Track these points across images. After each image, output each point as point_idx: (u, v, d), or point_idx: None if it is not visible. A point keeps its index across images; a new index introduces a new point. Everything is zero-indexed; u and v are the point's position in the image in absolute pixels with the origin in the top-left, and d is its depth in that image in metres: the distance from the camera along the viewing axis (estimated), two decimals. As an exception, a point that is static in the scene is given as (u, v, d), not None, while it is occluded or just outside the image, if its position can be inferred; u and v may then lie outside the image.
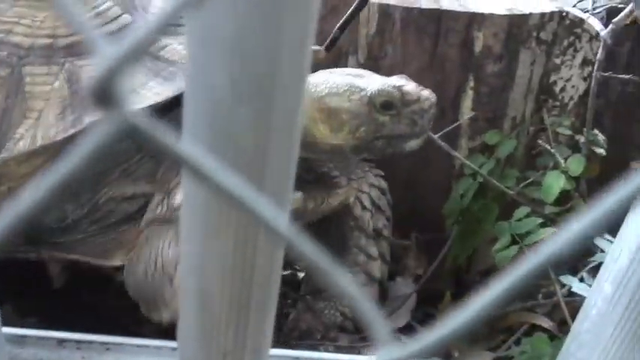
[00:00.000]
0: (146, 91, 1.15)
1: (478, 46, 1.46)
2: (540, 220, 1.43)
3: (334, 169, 1.39)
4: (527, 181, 1.49)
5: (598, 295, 0.92)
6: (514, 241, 1.44)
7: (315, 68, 1.38)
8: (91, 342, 1.10)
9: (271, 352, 1.16)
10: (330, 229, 1.46)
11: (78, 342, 1.10)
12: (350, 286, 0.33)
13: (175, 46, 1.22)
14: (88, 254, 1.20)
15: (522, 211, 1.46)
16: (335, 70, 1.28)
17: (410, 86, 1.20)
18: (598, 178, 1.56)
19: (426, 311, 1.53)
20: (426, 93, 1.20)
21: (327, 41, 1.47)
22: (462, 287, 1.55)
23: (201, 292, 0.61)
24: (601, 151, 1.51)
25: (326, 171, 1.38)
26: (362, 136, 1.21)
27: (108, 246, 1.21)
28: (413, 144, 1.23)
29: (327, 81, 1.22)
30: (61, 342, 1.11)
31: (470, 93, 1.49)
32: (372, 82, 1.21)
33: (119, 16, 1.19)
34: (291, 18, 0.48)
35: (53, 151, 1.10)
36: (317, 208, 1.34)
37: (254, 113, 0.50)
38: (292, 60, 0.50)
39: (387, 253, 1.49)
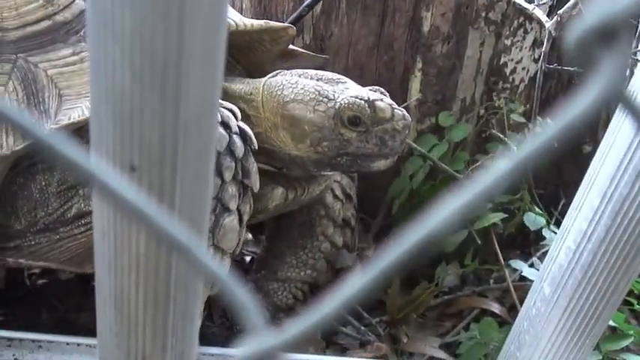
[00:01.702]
0: None
1: (426, 27, 1.43)
2: (489, 205, 1.42)
3: None
4: (477, 164, 1.47)
5: (537, 295, 0.91)
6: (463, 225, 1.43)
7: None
8: (22, 339, 1.06)
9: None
10: (297, 213, 1.42)
11: (9, 339, 1.06)
12: (223, 273, 0.30)
13: None
14: (56, 261, 1.10)
15: (471, 195, 1.43)
16: (309, 71, 1.18)
17: (384, 103, 1.10)
18: (548, 164, 1.55)
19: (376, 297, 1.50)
20: (401, 112, 1.11)
21: (294, 16, 1.43)
22: (410, 273, 1.53)
23: (116, 291, 0.58)
24: (552, 139, 1.50)
25: None
26: (324, 151, 1.13)
27: (79, 251, 1.10)
28: (381, 164, 1.14)
29: (295, 85, 1.13)
30: (-8, 340, 1.07)
31: (418, 74, 1.47)
32: (344, 92, 1.12)
33: (72, 2, 1.06)
34: (195, 7, 0.44)
35: (10, 162, 1.00)
36: (298, 198, 1.28)
37: (160, 106, 0.46)
38: (201, 48, 0.46)
39: (350, 243, 1.46)
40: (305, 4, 1.42)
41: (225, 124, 1.02)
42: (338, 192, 1.41)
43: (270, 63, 1.31)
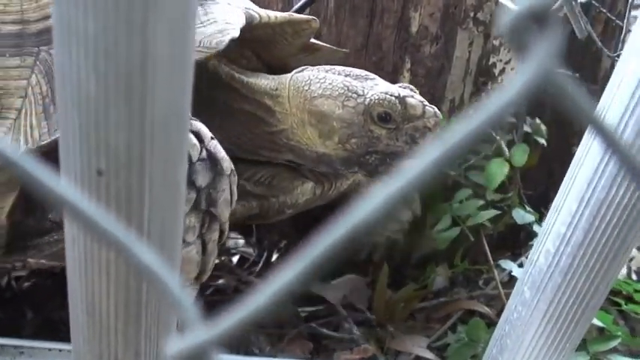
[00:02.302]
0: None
1: (414, 27, 1.43)
2: (481, 203, 1.42)
3: None
4: (468, 163, 1.47)
5: (518, 298, 0.91)
6: (455, 223, 1.43)
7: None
8: (3, 345, 1.06)
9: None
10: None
11: (-9, 346, 1.06)
12: (157, 267, 0.30)
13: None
14: None
15: (464, 193, 1.44)
16: (336, 67, 1.14)
17: (415, 99, 1.07)
18: (537, 165, 1.55)
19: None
20: (432, 110, 1.07)
21: (297, 6, 1.42)
22: (399, 275, 1.52)
23: (87, 297, 0.58)
24: (542, 141, 1.50)
25: None
26: (353, 149, 1.09)
27: None
28: None
29: (323, 80, 1.09)
30: (-27, 347, 1.07)
31: (407, 75, 1.46)
32: (374, 89, 1.08)
33: None
34: (159, 12, 0.44)
35: (37, 155, 0.94)
36: (325, 193, 1.26)
37: (125, 111, 0.46)
38: (166, 52, 0.46)
39: None
40: (295, 7, 1.41)
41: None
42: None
43: (292, 57, 1.29)
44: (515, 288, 0.95)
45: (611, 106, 0.76)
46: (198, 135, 0.96)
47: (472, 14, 1.43)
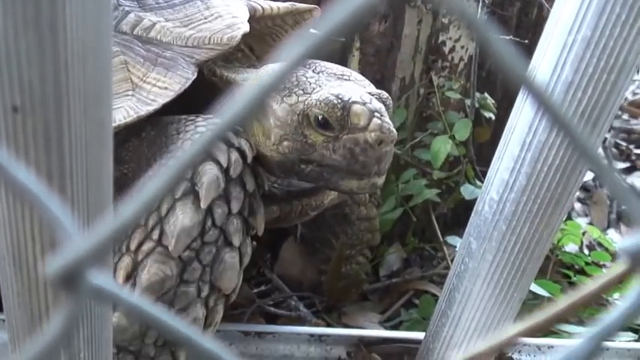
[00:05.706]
0: (151, 86, 0.96)
1: (362, 5, 1.42)
2: (425, 182, 1.42)
3: None
4: (416, 140, 1.48)
5: (464, 251, 0.91)
6: (401, 204, 1.44)
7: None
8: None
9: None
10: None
11: None
12: (34, 187, 0.30)
13: (163, 24, 1.03)
14: None
15: (409, 173, 1.44)
16: (321, 62, 1.01)
17: (362, 107, 0.90)
18: (491, 140, 1.56)
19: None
20: (379, 122, 0.90)
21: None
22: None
23: (12, 246, 0.56)
24: (491, 115, 1.50)
25: None
26: (285, 152, 0.95)
27: None
28: (352, 185, 0.94)
29: None
30: None
31: (356, 54, 1.46)
32: (329, 90, 0.93)
33: None
34: None
35: None
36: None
37: (36, 43, 0.45)
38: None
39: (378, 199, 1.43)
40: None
41: (242, 152, 0.91)
42: None
43: None
44: (461, 241, 0.95)
45: (542, 62, 0.76)
46: (242, 153, 0.92)
47: (420, -8, 1.43)
